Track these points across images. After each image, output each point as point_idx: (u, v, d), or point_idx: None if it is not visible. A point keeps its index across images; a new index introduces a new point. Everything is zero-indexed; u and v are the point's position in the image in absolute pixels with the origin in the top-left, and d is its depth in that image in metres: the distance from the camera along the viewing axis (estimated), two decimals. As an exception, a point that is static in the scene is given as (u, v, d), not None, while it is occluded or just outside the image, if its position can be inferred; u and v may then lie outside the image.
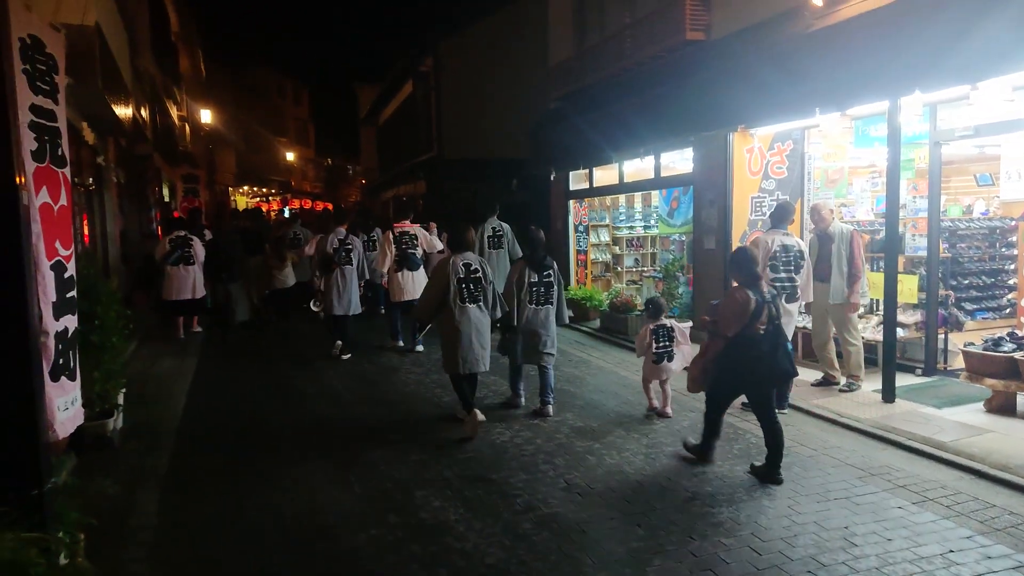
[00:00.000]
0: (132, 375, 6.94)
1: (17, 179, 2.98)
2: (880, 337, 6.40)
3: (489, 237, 9.81)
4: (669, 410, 5.95)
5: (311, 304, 9.14)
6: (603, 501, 4.22)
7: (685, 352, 5.98)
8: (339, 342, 8.55)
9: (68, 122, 3.91)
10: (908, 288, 6.58)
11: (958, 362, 6.66)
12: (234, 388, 7.25)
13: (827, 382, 6.63)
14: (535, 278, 6.07)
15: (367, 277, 8.94)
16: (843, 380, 6.54)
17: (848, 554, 3.54)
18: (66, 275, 3.64)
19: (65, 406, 3.56)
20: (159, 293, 9.72)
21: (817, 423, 5.71)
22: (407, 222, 9.00)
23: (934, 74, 5.30)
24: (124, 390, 5.76)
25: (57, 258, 3.53)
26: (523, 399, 6.38)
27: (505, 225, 9.71)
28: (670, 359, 5.96)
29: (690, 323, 6.66)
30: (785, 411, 5.91)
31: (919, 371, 6.76)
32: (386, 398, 6.74)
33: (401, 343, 8.99)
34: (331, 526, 3.99)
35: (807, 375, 6.88)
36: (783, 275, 5.91)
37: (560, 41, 12.79)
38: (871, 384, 6.40)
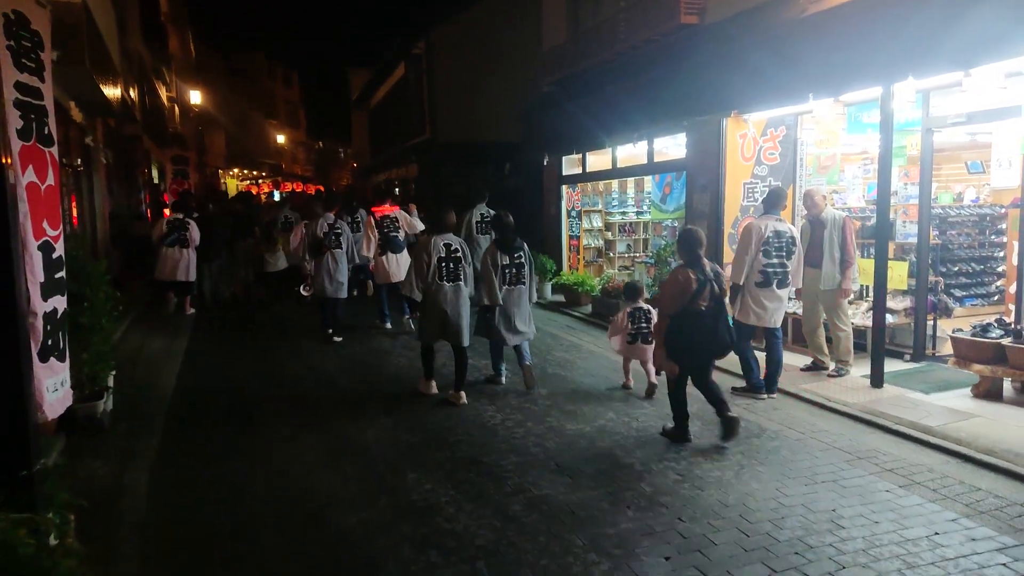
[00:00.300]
0: (122, 357, 6.91)
1: (3, 158, 2.94)
2: (870, 323, 6.44)
3: (478, 223, 9.96)
4: (655, 380, 6.07)
5: (300, 288, 9.34)
6: (593, 483, 4.25)
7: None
8: (330, 326, 8.66)
9: (56, 101, 3.86)
10: (898, 274, 6.61)
11: (946, 348, 6.71)
12: (225, 371, 7.24)
13: (816, 367, 6.67)
14: (506, 260, 6.26)
15: (356, 261, 9.05)
16: (832, 365, 6.58)
17: (835, 536, 3.58)
18: (54, 255, 3.61)
19: (54, 387, 3.54)
20: (152, 272, 9.93)
21: (806, 407, 5.75)
22: (387, 206, 9.18)
23: (927, 60, 5.30)
24: (114, 372, 5.73)
25: (45, 238, 3.49)
26: (504, 378, 6.55)
27: (493, 212, 9.78)
28: (645, 340, 6.11)
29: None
30: (774, 395, 5.96)
31: (908, 357, 6.81)
32: (378, 381, 6.74)
33: (389, 325, 9.14)
34: (322, 508, 4.00)
35: (796, 360, 6.92)
36: (775, 261, 5.93)
37: (553, 25, 12.70)
38: (860, 369, 6.44)
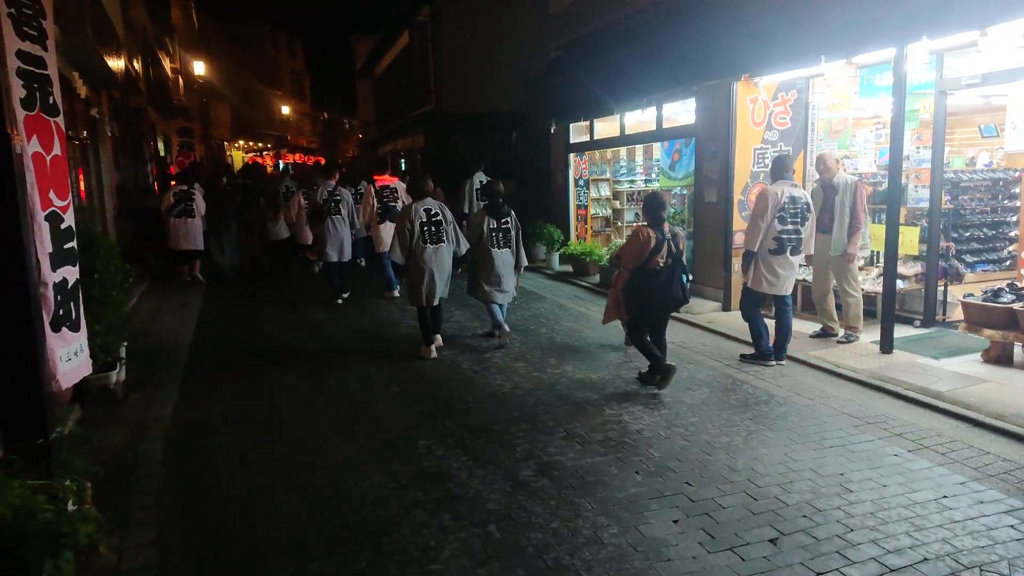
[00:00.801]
0: (134, 328, 6.97)
1: (8, 127, 2.93)
2: (880, 289, 6.41)
3: (477, 190, 10.11)
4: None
5: (307, 255, 9.86)
6: (602, 449, 4.28)
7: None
8: (344, 293, 9.09)
9: (60, 74, 3.83)
10: (909, 240, 6.56)
11: (957, 314, 6.68)
12: (236, 341, 7.29)
13: (826, 333, 6.66)
14: (494, 224, 6.74)
15: (357, 227, 9.42)
16: (841, 332, 6.56)
17: (843, 499, 3.60)
18: (63, 226, 3.62)
19: (67, 356, 3.58)
20: (164, 242, 10.40)
21: (815, 373, 5.76)
22: (386, 176, 9.52)
23: (943, 19, 5.18)
24: (126, 343, 5.78)
25: (52, 208, 3.50)
26: (507, 328, 6.94)
27: (498, 181, 9.92)
28: None
29: (689, 277, 6.65)
30: (783, 362, 5.96)
31: (918, 322, 6.78)
32: (388, 351, 6.78)
33: (397, 293, 9.36)
34: (336, 474, 4.04)
35: (806, 327, 6.91)
36: (790, 227, 5.85)
37: (560, -12, 12.47)
38: (869, 335, 6.43)
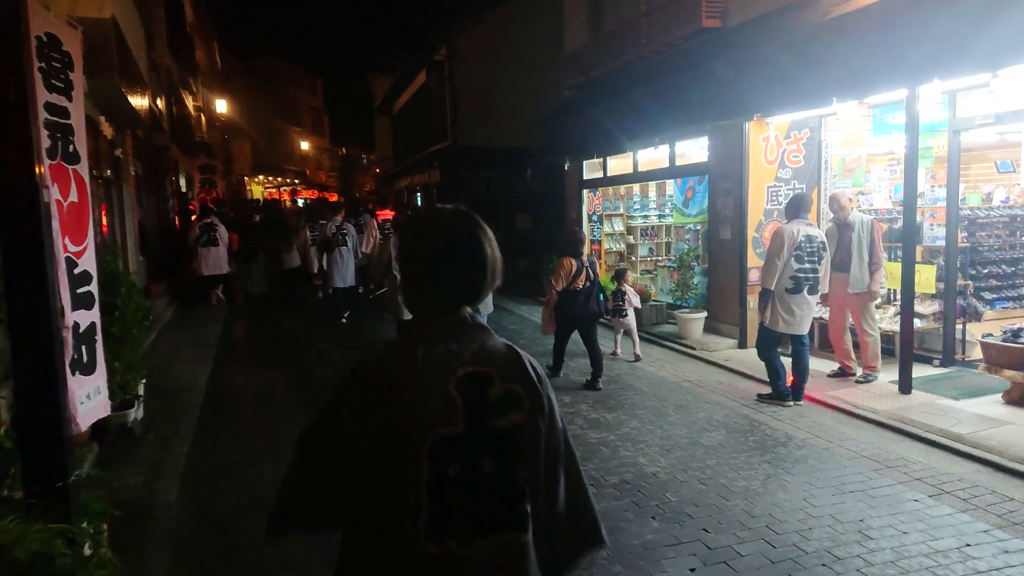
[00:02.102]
0: (152, 365, 7.03)
1: (38, 175, 3.02)
2: (897, 327, 6.36)
3: None
4: (639, 352, 7.83)
5: (312, 279, 11.09)
6: (617, 493, 4.24)
7: (631, 307, 7.86)
8: (346, 312, 10.21)
9: (86, 115, 3.95)
10: (926, 278, 6.51)
11: (976, 353, 6.59)
12: (252, 378, 7.34)
13: (843, 373, 6.59)
14: None
15: (359, 256, 10.48)
16: (860, 371, 6.50)
17: (863, 547, 3.53)
18: (76, 271, 3.69)
19: (82, 399, 3.63)
20: (194, 269, 11.55)
21: (833, 415, 5.69)
22: (386, 211, 11.17)
23: (954, 62, 5.22)
24: (144, 381, 5.84)
25: (67, 254, 3.58)
26: None
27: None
28: (623, 315, 7.80)
29: (704, 313, 6.68)
30: (801, 402, 5.90)
31: (937, 362, 6.70)
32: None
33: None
34: (348, 517, 4.03)
35: (823, 366, 6.85)
36: (807, 265, 5.83)
37: (575, 29, 12.71)
38: (888, 375, 6.35)
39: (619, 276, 8.05)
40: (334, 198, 31.13)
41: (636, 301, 7.98)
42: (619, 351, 7.96)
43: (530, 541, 1.42)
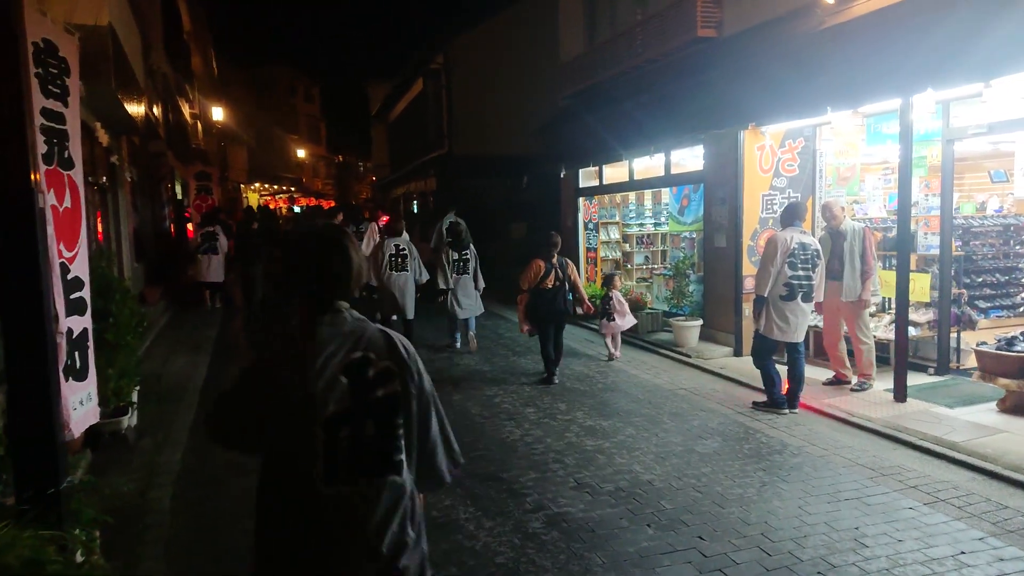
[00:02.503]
0: (146, 371, 7.00)
1: (33, 181, 3.02)
2: (892, 336, 6.37)
3: (447, 228, 11.04)
4: (618, 354, 8.19)
5: None
6: (613, 500, 4.24)
7: (622, 314, 8.18)
8: None
9: (82, 122, 3.95)
10: (920, 287, 6.54)
11: (971, 361, 6.61)
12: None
13: (838, 381, 6.61)
14: (456, 256, 8.54)
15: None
16: (854, 379, 6.51)
17: (858, 555, 3.53)
18: (69, 276, 3.69)
19: (75, 405, 3.61)
20: (192, 275, 12.11)
21: (828, 423, 5.69)
22: (385, 217, 11.79)
23: (947, 72, 5.26)
24: (138, 387, 5.82)
25: (61, 260, 3.57)
26: (457, 343, 8.83)
27: (461, 220, 11.04)
28: (610, 319, 8.15)
29: (699, 321, 6.67)
30: (796, 410, 5.90)
31: (931, 370, 6.72)
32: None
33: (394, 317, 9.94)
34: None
35: (818, 374, 6.86)
36: (801, 273, 5.84)
37: (571, 38, 12.77)
38: (883, 383, 6.37)
39: (608, 281, 8.56)
40: (329, 205, 31.42)
41: (625, 309, 8.26)
42: (616, 352, 8.23)
43: (404, 479, 1.88)
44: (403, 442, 1.89)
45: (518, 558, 3.57)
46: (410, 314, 8.31)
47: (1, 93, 2.89)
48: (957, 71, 5.19)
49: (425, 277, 8.46)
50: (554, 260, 7.17)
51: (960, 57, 5.12)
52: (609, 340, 8.26)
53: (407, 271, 8.26)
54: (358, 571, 1.84)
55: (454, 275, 8.42)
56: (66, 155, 3.63)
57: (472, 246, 8.70)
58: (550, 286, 7.10)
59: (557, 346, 7.24)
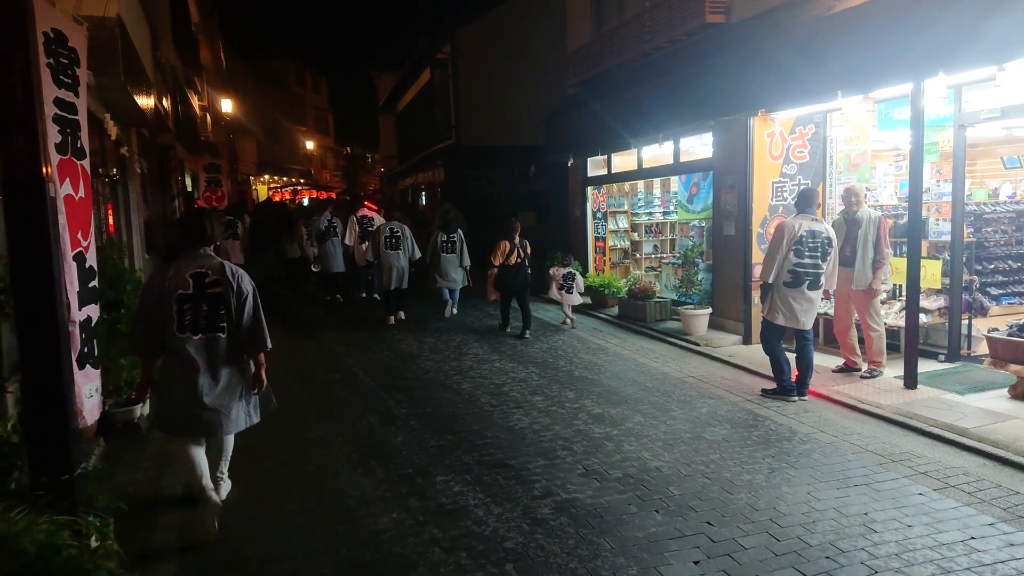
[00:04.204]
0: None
1: (44, 171, 3.04)
2: (902, 323, 6.34)
3: (440, 215, 12.99)
4: (572, 319, 9.59)
5: (311, 266, 13.02)
6: (621, 487, 4.25)
7: (576, 289, 9.63)
8: (338, 295, 12.32)
9: (92, 114, 3.98)
10: (931, 273, 6.49)
11: (982, 348, 6.58)
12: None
13: (848, 368, 6.58)
14: (444, 237, 10.21)
15: (346, 244, 12.26)
16: (865, 366, 6.49)
17: (867, 540, 3.53)
18: (87, 265, 3.73)
19: (90, 393, 3.65)
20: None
21: (838, 409, 5.68)
22: (366, 209, 12.65)
23: (959, 55, 5.20)
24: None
25: (79, 248, 3.61)
26: (452, 310, 10.50)
27: (452, 208, 13.23)
28: (569, 291, 9.54)
29: (708, 310, 6.64)
30: (805, 397, 5.89)
31: (942, 357, 6.68)
32: (406, 384, 6.80)
33: (377, 296, 11.92)
34: (353, 509, 4.05)
35: (828, 361, 6.84)
36: (807, 261, 5.80)
37: (578, 26, 12.70)
38: (893, 370, 6.34)
39: (566, 260, 9.86)
40: (328, 196, 32.46)
41: (579, 285, 9.74)
42: (569, 320, 9.57)
43: (223, 336, 3.82)
44: (226, 318, 3.82)
45: (527, 543, 3.59)
46: (404, 284, 9.95)
47: (11, 86, 2.91)
48: (970, 54, 5.13)
49: (418, 255, 10.05)
50: (516, 241, 8.93)
51: (973, 40, 5.06)
52: (567, 309, 9.60)
53: (399, 250, 9.89)
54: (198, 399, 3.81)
55: (443, 254, 10.11)
56: (79, 144, 3.66)
57: (460, 230, 10.34)
58: (514, 262, 8.90)
59: (524, 310, 8.97)
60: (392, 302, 10.06)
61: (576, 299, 9.66)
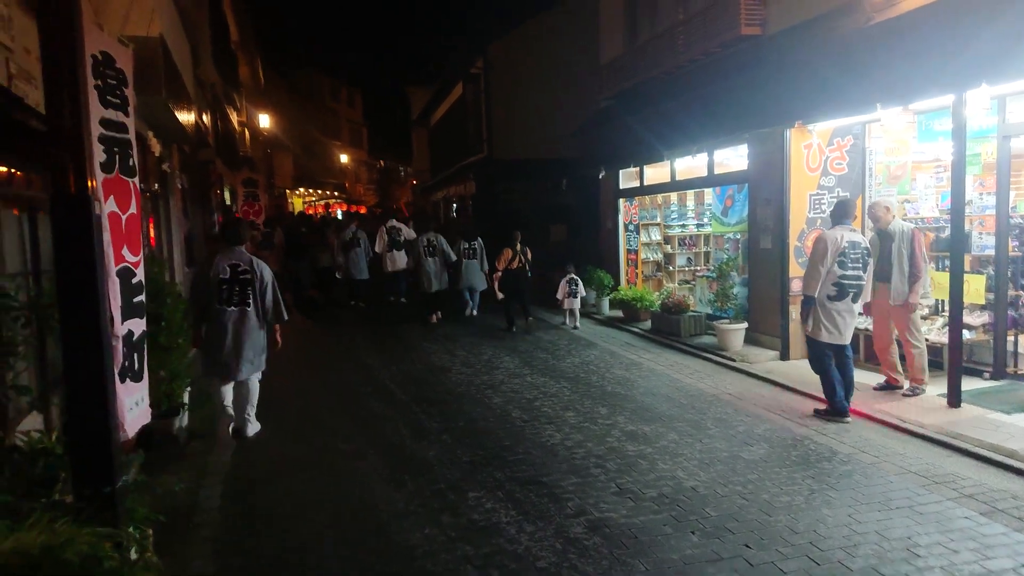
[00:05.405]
0: (196, 373, 7.18)
1: (90, 189, 3.12)
2: (945, 339, 6.17)
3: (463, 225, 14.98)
4: (579, 324, 10.61)
5: (336, 274, 13.96)
6: (656, 507, 4.19)
7: (580, 293, 10.63)
8: (362, 302, 13.42)
9: (136, 132, 4.08)
10: (975, 288, 6.32)
11: (1030, 366, 6.39)
12: (291, 385, 7.44)
13: (890, 386, 6.42)
14: (466, 245, 11.44)
15: (371, 255, 13.65)
16: (907, 384, 6.32)
17: (911, 565, 3.43)
18: (133, 280, 3.81)
19: (131, 406, 3.72)
20: None
21: (879, 429, 5.54)
22: (394, 221, 13.82)
23: (1002, 67, 5.08)
24: (189, 389, 5.97)
25: (124, 264, 3.69)
26: (473, 311, 11.77)
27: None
28: (574, 296, 10.54)
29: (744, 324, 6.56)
30: (848, 420, 5.72)
31: (987, 375, 6.48)
32: (438, 398, 6.82)
33: (403, 299, 13.57)
34: (386, 525, 4.06)
35: (869, 378, 6.68)
36: (851, 272, 5.68)
37: (611, 39, 12.70)
38: (935, 388, 6.17)
39: (574, 268, 10.85)
40: (362, 210, 33.28)
41: (582, 290, 10.66)
42: (567, 322, 10.67)
43: (251, 309, 5.59)
44: (252, 297, 5.55)
45: (560, 563, 3.56)
46: (444, 285, 11.22)
47: (61, 104, 3.00)
48: (1014, 66, 5.00)
49: (453, 258, 11.32)
50: (518, 248, 10.22)
51: (1017, 51, 4.93)
52: (572, 313, 10.60)
53: (436, 256, 11.21)
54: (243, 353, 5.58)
55: (465, 260, 11.39)
56: (130, 163, 3.76)
57: (479, 238, 11.67)
58: (515, 267, 10.19)
59: (525, 308, 10.28)
60: (433, 304, 11.23)
61: (577, 303, 10.61)
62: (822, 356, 5.80)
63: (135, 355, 3.88)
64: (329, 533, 3.99)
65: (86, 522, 2.85)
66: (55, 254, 3.09)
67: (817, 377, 6.00)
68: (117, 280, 3.61)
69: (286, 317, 5.76)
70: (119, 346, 3.58)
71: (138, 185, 3.87)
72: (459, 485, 4.62)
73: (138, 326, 3.94)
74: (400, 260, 13.01)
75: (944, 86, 5.62)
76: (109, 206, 3.55)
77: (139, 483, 3.90)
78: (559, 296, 10.65)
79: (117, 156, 3.61)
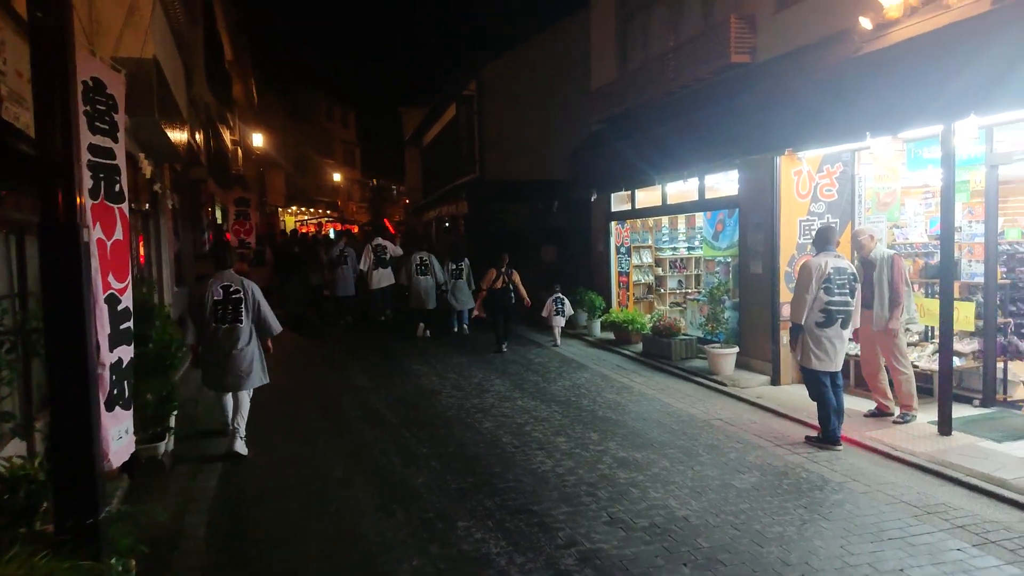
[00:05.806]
0: (184, 394, 7.10)
1: (77, 217, 3.10)
2: (936, 366, 6.19)
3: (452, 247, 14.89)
4: (559, 341, 11.06)
5: (323, 291, 14.35)
6: (647, 537, 4.15)
7: (566, 312, 11.16)
8: (349, 317, 13.72)
9: (127, 152, 4.06)
10: (964, 315, 6.35)
11: (1019, 393, 6.41)
12: (279, 407, 7.35)
13: (880, 412, 6.42)
14: (453, 266, 12.14)
15: (358, 271, 13.60)
16: (897, 410, 6.32)
17: (904, 600, 3.40)
18: (120, 307, 3.76)
19: (119, 435, 3.67)
20: None
21: (870, 457, 5.53)
22: (379, 239, 13.69)
23: (991, 98, 5.13)
24: (175, 412, 5.90)
25: (111, 291, 3.65)
26: (455, 328, 12.29)
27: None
28: (560, 314, 11.06)
29: (735, 349, 6.54)
30: (840, 447, 5.70)
31: (977, 402, 6.50)
32: (428, 422, 6.77)
33: (389, 312, 13.74)
34: (374, 556, 4.00)
35: (859, 405, 6.68)
36: (837, 297, 5.71)
37: (602, 64, 12.81)
38: (926, 415, 6.18)
39: (560, 288, 11.40)
40: (354, 229, 33.67)
41: (568, 308, 11.18)
42: (559, 341, 11.03)
43: (242, 325, 5.90)
44: (244, 313, 5.89)
45: (550, 596, 3.51)
46: (431, 306, 11.89)
47: (52, 131, 2.99)
48: (1002, 97, 5.06)
49: (443, 279, 11.91)
50: (503, 269, 10.48)
51: (1005, 83, 4.99)
52: (557, 331, 11.05)
53: (428, 275, 11.90)
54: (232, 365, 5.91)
55: (452, 280, 12.05)
56: (116, 189, 3.73)
57: (466, 259, 12.34)
58: (499, 286, 10.48)
59: (507, 328, 10.60)
60: (423, 319, 11.81)
61: (561, 321, 11.14)
62: (819, 383, 5.78)
63: (123, 383, 3.83)
64: (316, 564, 3.93)
65: (67, 556, 2.79)
66: (42, 282, 3.06)
67: (808, 403, 6.01)
68: (105, 307, 3.57)
69: (279, 330, 6.15)
70: (105, 375, 3.53)
71: (126, 210, 3.84)
72: (448, 513, 4.57)
73: (126, 353, 3.89)
74: (386, 278, 13.19)
75: (933, 116, 5.68)
76: (96, 233, 3.51)
77: (123, 513, 3.85)
78: (544, 314, 11.14)
79: (103, 182, 3.59)
